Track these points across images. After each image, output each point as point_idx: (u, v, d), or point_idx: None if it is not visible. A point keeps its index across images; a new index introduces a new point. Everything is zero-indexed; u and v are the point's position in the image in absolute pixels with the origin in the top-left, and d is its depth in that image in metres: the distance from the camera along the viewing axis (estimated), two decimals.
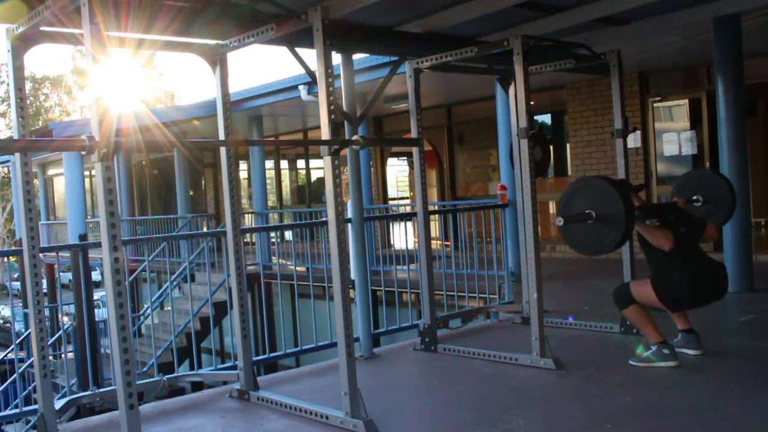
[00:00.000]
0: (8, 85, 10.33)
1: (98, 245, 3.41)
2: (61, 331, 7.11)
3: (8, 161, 19.98)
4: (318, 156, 12.07)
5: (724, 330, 5.56)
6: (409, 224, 9.58)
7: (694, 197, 5.07)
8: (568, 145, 11.00)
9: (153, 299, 9.92)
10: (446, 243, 9.41)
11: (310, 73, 3.80)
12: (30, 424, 5.01)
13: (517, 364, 4.68)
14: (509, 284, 7.09)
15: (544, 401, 4.05)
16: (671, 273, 4.42)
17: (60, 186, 21.15)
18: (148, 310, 10.72)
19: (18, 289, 19.97)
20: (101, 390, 4.52)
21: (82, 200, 14.68)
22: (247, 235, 12.05)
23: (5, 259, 18.61)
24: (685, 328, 4.65)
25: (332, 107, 3.60)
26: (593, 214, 4.17)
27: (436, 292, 5.49)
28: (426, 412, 4.06)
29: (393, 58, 7.07)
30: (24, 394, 5.85)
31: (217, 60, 4.23)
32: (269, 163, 16.79)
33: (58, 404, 3.96)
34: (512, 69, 4.66)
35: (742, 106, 6.83)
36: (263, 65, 79.00)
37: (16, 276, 24.36)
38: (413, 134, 5.27)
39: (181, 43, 4.24)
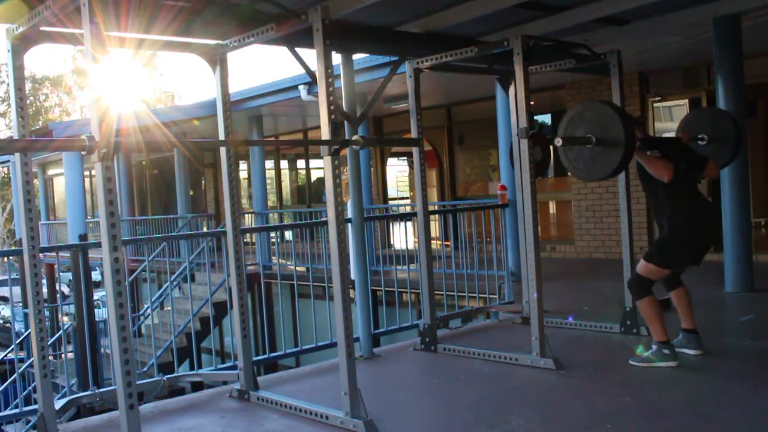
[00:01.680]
0: (8, 85, 10.33)
1: (98, 245, 3.41)
2: (61, 331, 7.11)
3: (8, 161, 19.97)
4: (318, 156, 12.07)
5: (724, 330, 5.56)
6: (409, 224, 9.57)
7: (699, 136, 5.03)
8: None
9: (153, 299, 9.92)
10: (446, 243, 9.40)
11: (310, 73, 3.80)
12: (30, 424, 5.02)
13: (517, 364, 4.68)
14: (509, 284, 7.08)
15: (544, 401, 4.05)
16: (665, 218, 4.40)
17: (60, 186, 21.16)
18: (148, 310, 10.72)
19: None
20: (101, 390, 4.52)
21: (82, 200, 14.68)
22: (247, 235, 12.06)
23: (5, 259, 18.56)
24: (690, 327, 4.63)
25: (332, 107, 3.60)
26: (593, 138, 4.11)
27: (436, 292, 5.49)
28: (426, 412, 4.06)
29: (393, 58, 7.07)
30: (24, 394, 5.85)
31: (217, 60, 4.23)
32: (269, 163, 16.79)
33: (58, 404, 3.95)
34: (512, 69, 4.66)
35: (742, 106, 6.82)
36: (263, 65, 78.96)
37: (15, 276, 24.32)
38: (413, 134, 5.27)
39: (181, 43, 4.24)
